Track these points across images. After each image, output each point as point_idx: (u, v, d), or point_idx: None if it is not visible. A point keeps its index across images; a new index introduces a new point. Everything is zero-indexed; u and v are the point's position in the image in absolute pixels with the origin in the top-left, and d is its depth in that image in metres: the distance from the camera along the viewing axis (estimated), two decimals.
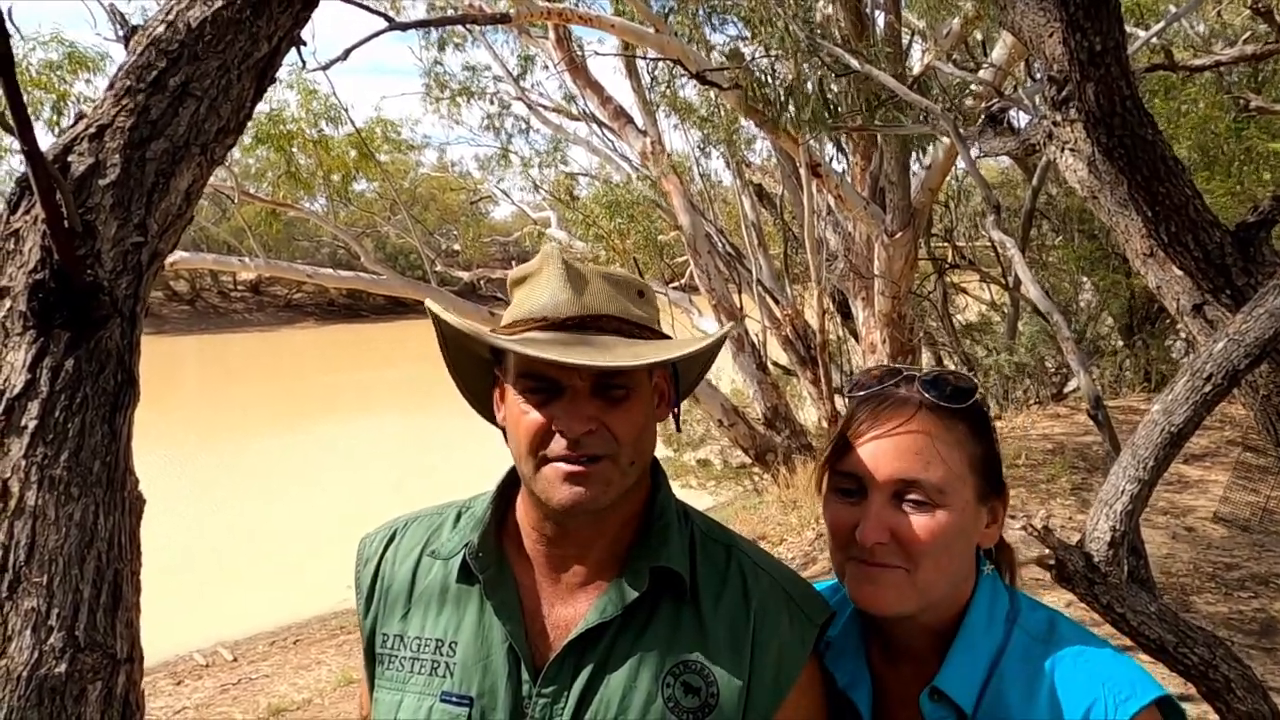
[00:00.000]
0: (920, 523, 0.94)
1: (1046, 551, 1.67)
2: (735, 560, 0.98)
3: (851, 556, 0.97)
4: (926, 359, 10.20)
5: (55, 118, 8.13)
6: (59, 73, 7.72)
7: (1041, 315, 9.95)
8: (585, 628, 0.92)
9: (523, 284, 0.97)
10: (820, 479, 1.02)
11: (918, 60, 8.59)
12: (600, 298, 0.93)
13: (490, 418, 1.04)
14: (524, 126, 12.04)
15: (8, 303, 1.02)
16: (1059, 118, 1.92)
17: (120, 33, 1.38)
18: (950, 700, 0.93)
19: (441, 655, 0.95)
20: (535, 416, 0.90)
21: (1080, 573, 1.59)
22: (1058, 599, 3.16)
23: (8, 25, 0.96)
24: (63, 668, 0.86)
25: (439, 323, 0.97)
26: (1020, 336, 9.53)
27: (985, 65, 7.41)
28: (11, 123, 1.01)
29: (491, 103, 11.54)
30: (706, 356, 1.04)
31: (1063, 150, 1.97)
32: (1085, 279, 9.93)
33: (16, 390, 0.96)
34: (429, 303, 0.97)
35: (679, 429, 1.06)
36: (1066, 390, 9.40)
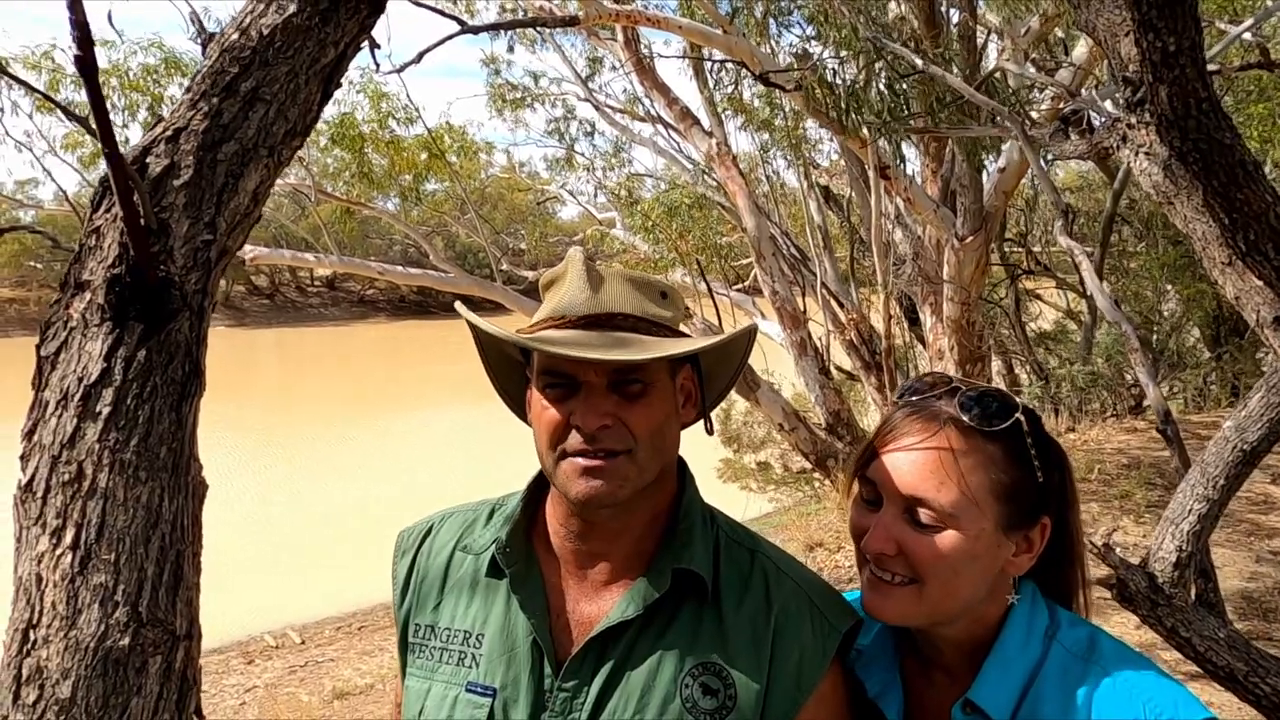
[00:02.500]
0: (926, 542, 0.92)
1: (1108, 571, 1.62)
2: (758, 564, 0.99)
3: (865, 562, 0.97)
4: (997, 367, 9.91)
5: (150, 119, 8.55)
6: (155, 76, 8.12)
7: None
8: (607, 625, 0.94)
9: (550, 287, 1.01)
10: (850, 483, 1.01)
11: (994, 60, 8.36)
12: (617, 297, 0.95)
13: (525, 418, 1.06)
14: (589, 130, 12.15)
15: (88, 295, 1.08)
16: (1133, 120, 1.85)
17: (199, 39, 1.45)
18: (983, 713, 0.91)
19: (469, 647, 0.98)
20: (554, 412, 0.93)
21: (1143, 594, 1.54)
22: (1125, 620, 3.04)
23: (91, 34, 1.02)
24: (126, 641, 0.91)
25: (472, 327, 1.00)
26: (1097, 346, 9.17)
27: (1065, 64, 7.16)
28: (94, 126, 1.08)
29: (554, 106, 11.67)
30: (733, 358, 1.04)
31: (1137, 154, 1.90)
32: (1169, 287, 9.50)
33: (93, 378, 1.02)
34: (459, 306, 1.00)
35: (710, 431, 1.06)
36: (1145, 403, 9.01)
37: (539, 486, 1.05)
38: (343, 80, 1.53)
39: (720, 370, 1.06)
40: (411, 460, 14.80)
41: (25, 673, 0.89)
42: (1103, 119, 2.37)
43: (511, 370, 1.06)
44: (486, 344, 1.04)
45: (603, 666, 0.93)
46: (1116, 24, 1.82)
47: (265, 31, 1.30)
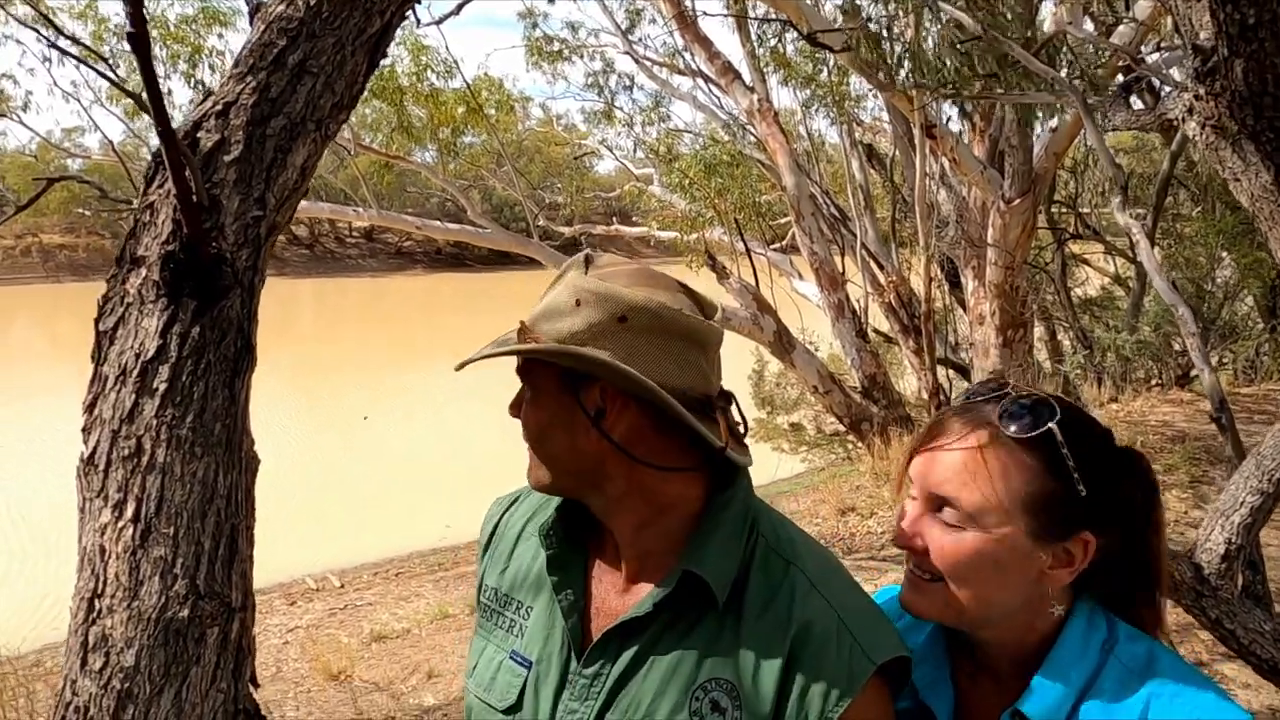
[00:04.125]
0: (944, 541, 0.92)
1: None
2: (790, 577, 0.94)
3: (909, 559, 0.97)
4: (1039, 333, 9.71)
5: (190, 70, 8.60)
6: (194, 26, 8.14)
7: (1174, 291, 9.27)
8: (623, 619, 0.94)
9: None
10: (902, 476, 1.01)
11: (1049, 15, 8.02)
12: (541, 304, 0.98)
13: None
14: (628, 84, 11.98)
15: (143, 271, 1.10)
16: (1202, 91, 1.77)
17: (248, 7, 1.44)
18: None
19: (520, 617, 1.02)
20: None
21: (1188, 584, 1.51)
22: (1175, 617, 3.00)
23: (144, 11, 1.02)
24: (185, 613, 0.94)
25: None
26: (1144, 314, 8.93)
27: (1126, 20, 6.85)
28: (148, 103, 1.08)
29: (593, 59, 11.51)
30: (629, 380, 0.92)
31: (1204, 127, 1.82)
32: (1225, 254, 9.19)
33: (150, 354, 1.04)
34: (464, 360, 1.01)
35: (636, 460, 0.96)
36: (1192, 374, 8.79)
37: None
38: (388, 50, 1.51)
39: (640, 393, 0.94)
40: (454, 413, 14.99)
41: (92, 640, 0.94)
42: (1168, 87, 2.27)
43: None
44: None
45: (619, 660, 0.94)
46: None
47: (312, 2, 1.29)
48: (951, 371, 9.46)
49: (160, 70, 8.27)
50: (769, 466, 10.11)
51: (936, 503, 0.94)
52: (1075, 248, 10.42)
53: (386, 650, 6.14)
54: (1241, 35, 1.38)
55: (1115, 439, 0.98)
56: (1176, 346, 9.11)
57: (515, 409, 1.00)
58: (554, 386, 0.95)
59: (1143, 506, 0.96)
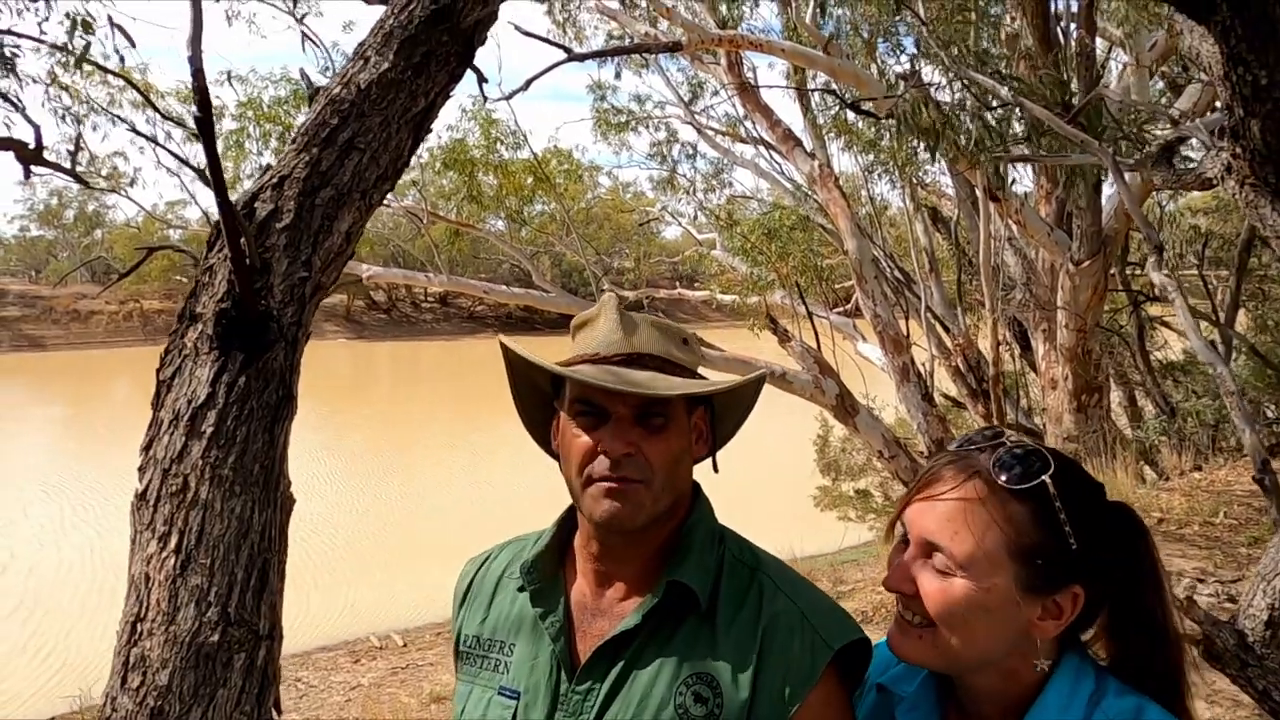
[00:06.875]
0: (935, 586, 0.93)
1: (1193, 626, 1.54)
2: (756, 581, 1.05)
3: (898, 601, 0.99)
4: (1116, 398, 9.34)
5: (280, 146, 9.25)
6: (285, 107, 8.78)
7: (1260, 356, 8.86)
8: (614, 634, 1.03)
9: (583, 327, 1.11)
10: (892, 526, 1.02)
11: (1115, 75, 7.95)
12: (647, 340, 1.06)
13: (545, 446, 1.17)
14: (690, 152, 12.32)
15: (200, 326, 1.22)
16: (1238, 149, 1.76)
17: (307, 92, 1.60)
18: None
19: (503, 655, 1.10)
20: (584, 439, 1.03)
21: (1231, 652, 1.45)
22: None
23: (210, 100, 1.16)
24: (216, 638, 1.02)
25: (508, 356, 1.11)
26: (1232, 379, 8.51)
27: (1195, 80, 6.74)
28: (210, 178, 1.22)
29: (657, 129, 11.88)
30: (742, 403, 1.13)
31: (1242, 185, 1.81)
32: None
33: (200, 400, 1.16)
34: (502, 340, 1.10)
35: (716, 469, 1.13)
36: None
37: (571, 515, 1.15)
38: (432, 127, 1.64)
39: (729, 414, 1.14)
40: (522, 475, 15.17)
41: (132, 660, 1.02)
42: (1211, 147, 2.25)
43: (538, 400, 1.17)
44: (518, 373, 1.15)
45: (610, 672, 1.02)
46: (1216, 53, 1.75)
47: (363, 85, 1.42)
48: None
49: (254, 148, 8.94)
50: (835, 535, 9.85)
51: (928, 549, 0.95)
52: (1154, 310, 10.06)
53: (445, 711, 6.15)
54: (1255, 96, 1.39)
55: (1105, 493, 0.97)
56: (1269, 413, 8.64)
57: (630, 446, 1.01)
58: (683, 414, 1.06)
59: (1136, 562, 0.96)
